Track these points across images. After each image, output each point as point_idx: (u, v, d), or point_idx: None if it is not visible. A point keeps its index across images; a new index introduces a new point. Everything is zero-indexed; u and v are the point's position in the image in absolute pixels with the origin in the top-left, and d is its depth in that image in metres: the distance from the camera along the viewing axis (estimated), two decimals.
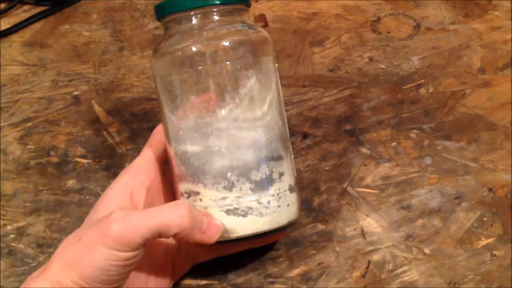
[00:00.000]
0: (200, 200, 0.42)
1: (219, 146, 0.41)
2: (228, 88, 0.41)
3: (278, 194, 0.42)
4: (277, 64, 0.44)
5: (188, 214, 0.39)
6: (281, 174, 0.43)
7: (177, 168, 0.43)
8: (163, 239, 0.45)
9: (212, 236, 0.41)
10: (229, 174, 0.41)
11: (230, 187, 0.41)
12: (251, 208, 0.41)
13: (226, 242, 0.43)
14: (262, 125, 0.42)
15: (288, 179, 0.43)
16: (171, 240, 0.45)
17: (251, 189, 0.41)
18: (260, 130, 0.42)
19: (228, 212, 0.41)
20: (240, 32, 0.42)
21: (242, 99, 0.41)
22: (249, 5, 0.44)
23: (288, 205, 0.43)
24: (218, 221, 0.41)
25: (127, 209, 0.39)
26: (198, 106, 0.41)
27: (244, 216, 0.41)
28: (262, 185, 0.42)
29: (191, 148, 0.42)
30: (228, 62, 0.41)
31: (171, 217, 0.39)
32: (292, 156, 0.45)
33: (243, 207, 0.41)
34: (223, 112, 0.41)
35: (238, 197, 0.41)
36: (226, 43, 0.41)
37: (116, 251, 0.37)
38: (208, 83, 0.41)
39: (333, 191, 0.52)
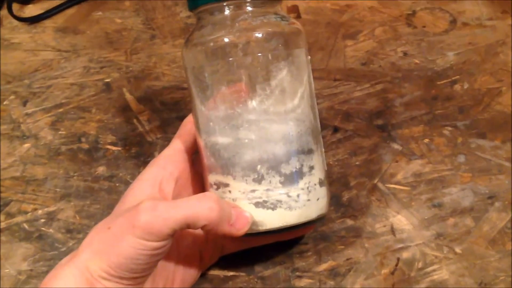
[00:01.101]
0: (229, 192, 0.42)
1: (249, 139, 0.41)
2: (259, 80, 0.41)
3: (308, 187, 0.42)
4: (309, 57, 0.44)
5: (216, 206, 0.39)
6: (311, 168, 0.42)
7: (207, 160, 0.43)
8: (191, 230, 0.45)
9: (240, 229, 0.40)
10: (258, 166, 0.41)
11: (259, 179, 0.41)
12: (280, 201, 0.41)
13: (254, 235, 0.42)
14: (293, 118, 0.41)
15: (318, 173, 0.43)
16: (199, 231, 0.45)
17: (281, 182, 0.41)
18: (291, 123, 0.41)
19: (257, 204, 0.41)
20: (273, 24, 0.42)
21: (273, 91, 0.41)
22: None
23: (317, 199, 0.42)
24: (247, 213, 0.41)
25: (155, 200, 0.39)
26: (229, 97, 0.41)
27: (273, 209, 0.41)
28: (292, 178, 0.41)
29: (221, 139, 0.41)
30: (260, 54, 0.40)
31: (199, 209, 0.38)
32: (323, 150, 0.44)
33: (272, 200, 0.41)
34: (254, 103, 0.40)
35: (268, 190, 0.41)
36: (258, 35, 0.41)
37: (145, 240, 0.37)
38: (240, 75, 0.41)
39: (363, 186, 0.52)
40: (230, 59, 0.40)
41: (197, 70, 0.42)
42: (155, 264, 0.39)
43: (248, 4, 0.41)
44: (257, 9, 0.42)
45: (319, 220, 0.44)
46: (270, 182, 0.41)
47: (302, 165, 0.42)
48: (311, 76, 0.44)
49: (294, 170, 0.41)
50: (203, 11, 0.42)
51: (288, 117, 0.41)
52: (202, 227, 0.39)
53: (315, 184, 0.42)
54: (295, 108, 0.42)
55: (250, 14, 0.41)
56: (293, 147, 0.41)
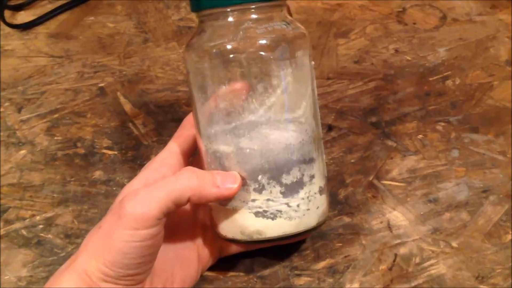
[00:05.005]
0: (230, 200, 0.42)
1: (251, 148, 0.40)
2: (262, 88, 0.40)
3: (308, 197, 0.42)
4: (313, 62, 0.44)
5: (194, 174, 0.39)
6: (312, 177, 0.42)
7: (208, 166, 0.43)
8: (189, 230, 0.45)
9: (230, 186, 0.40)
10: (259, 176, 0.41)
11: (260, 189, 0.41)
12: (280, 211, 0.41)
13: (253, 243, 0.43)
14: (295, 126, 0.41)
15: (319, 181, 0.43)
16: (196, 232, 0.46)
17: (281, 192, 0.41)
18: (293, 132, 0.41)
19: (257, 214, 0.41)
20: (277, 30, 0.41)
21: (276, 99, 0.40)
22: None
23: (317, 208, 0.43)
24: (233, 172, 0.41)
25: (137, 188, 0.39)
26: (231, 105, 0.40)
27: (273, 218, 0.41)
28: (292, 188, 0.41)
29: (223, 148, 0.41)
30: (263, 62, 0.40)
31: (179, 182, 0.39)
32: (324, 156, 0.44)
33: (272, 210, 0.41)
34: (257, 111, 0.40)
35: (268, 200, 0.41)
36: (262, 42, 0.40)
37: (134, 230, 0.37)
38: (242, 82, 0.40)
39: (358, 183, 0.52)
40: (232, 65, 0.40)
41: (199, 75, 0.41)
42: (149, 259, 0.39)
43: (252, 11, 0.40)
44: (261, 16, 0.41)
45: (319, 227, 0.44)
46: (270, 192, 0.41)
47: (303, 175, 0.41)
48: (315, 83, 0.43)
49: (295, 180, 0.41)
50: (206, 15, 0.41)
51: (291, 125, 0.41)
52: (191, 201, 0.39)
53: (315, 193, 0.42)
54: (298, 116, 0.41)
55: (254, 21, 0.40)
56: (294, 157, 0.41)
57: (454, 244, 0.48)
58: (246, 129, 0.40)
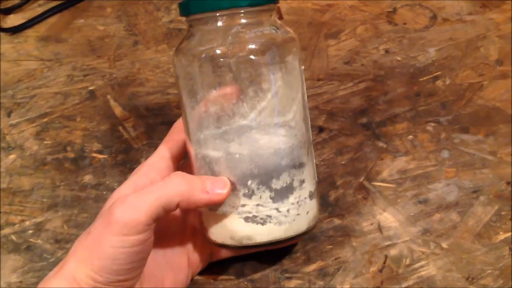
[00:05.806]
0: (219, 205, 0.42)
1: (240, 153, 0.40)
2: (252, 92, 0.40)
3: (298, 202, 0.42)
4: (303, 67, 0.43)
5: (183, 179, 0.39)
6: (302, 182, 0.42)
7: (197, 171, 0.43)
8: (178, 234, 0.45)
9: (220, 191, 0.40)
10: (249, 182, 0.41)
11: (250, 194, 0.41)
12: (270, 217, 0.41)
13: (243, 248, 0.43)
14: (285, 131, 0.41)
15: (309, 186, 0.43)
16: (186, 237, 0.46)
17: (271, 198, 0.41)
18: (283, 137, 0.41)
19: (246, 219, 0.41)
20: (266, 35, 0.41)
21: (267, 104, 0.40)
22: (276, 1, 0.43)
23: (307, 212, 0.43)
24: (223, 177, 0.41)
25: (126, 194, 0.39)
26: (221, 109, 0.40)
27: (262, 224, 0.41)
28: (282, 193, 0.41)
29: (212, 153, 0.41)
30: (253, 65, 0.40)
31: (168, 187, 0.39)
32: (314, 160, 0.44)
33: (262, 215, 0.41)
34: (246, 117, 0.40)
35: (258, 205, 0.41)
36: (251, 46, 0.40)
37: (123, 236, 0.37)
38: (232, 86, 0.40)
39: (349, 185, 0.52)
40: (221, 70, 0.40)
41: (188, 80, 0.41)
42: (138, 264, 0.39)
43: (242, 15, 0.40)
44: (250, 20, 0.41)
45: (309, 232, 0.44)
46: (260, 197, 0.41)
47: (293, 180, 0.41)
48: (305, 87, 0.43)
49: (284, 185, 0.41)
50: (196, 20, 0.41)
51: (280, 130, 0.41)
52: (181, 206, 0.39)
53: (305, 198, 0.42)
54: (288, 121, 0.41)
55: (243, 25, 0.41)
56: (284, 162, 0.41)
57: (444, 245, 0.48)
58: (236, 134, 0.40)
